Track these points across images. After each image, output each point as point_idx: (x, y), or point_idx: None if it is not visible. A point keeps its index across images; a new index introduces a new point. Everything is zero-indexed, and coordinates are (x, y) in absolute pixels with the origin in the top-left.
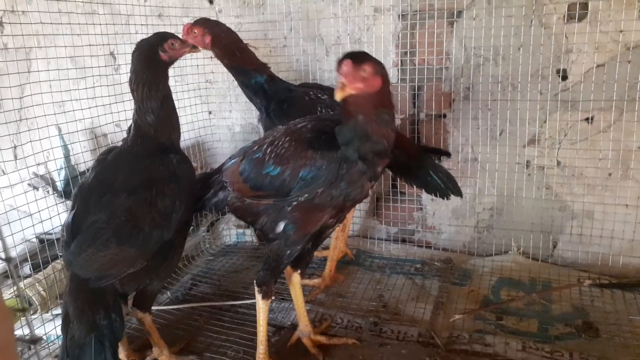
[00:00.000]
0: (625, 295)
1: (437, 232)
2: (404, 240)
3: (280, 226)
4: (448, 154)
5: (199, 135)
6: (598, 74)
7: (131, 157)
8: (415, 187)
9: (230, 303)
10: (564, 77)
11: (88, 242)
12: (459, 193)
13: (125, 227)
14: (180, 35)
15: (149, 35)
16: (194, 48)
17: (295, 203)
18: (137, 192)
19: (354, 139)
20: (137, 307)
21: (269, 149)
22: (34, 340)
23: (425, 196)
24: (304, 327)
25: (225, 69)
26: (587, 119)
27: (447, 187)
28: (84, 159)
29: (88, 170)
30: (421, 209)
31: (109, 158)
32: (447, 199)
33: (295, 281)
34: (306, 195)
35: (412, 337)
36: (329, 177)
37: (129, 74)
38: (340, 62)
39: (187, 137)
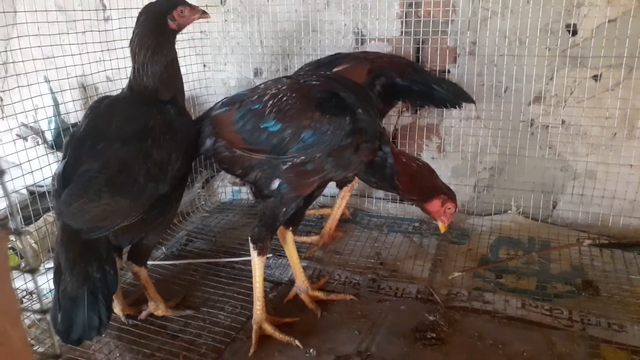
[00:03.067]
0: (624, 255)
1: None
2: (401, 200)
3: (275, 183)
4: (472, 101)
5: (193, 88)
6: (609, 30)
7: (126, 106)
8: (420, 104)
9: (227, 259)
10: (574, 32)
11: (80, 192)
12: (469, 99)
13: (119, 177)
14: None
15: None
16: (204, 13)
17: (289, 163)
18: (131, 141)
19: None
20: (133, 260)
21: (270, 102)
22: (45, 310)
23: (425, 154)
24: (301, 283)
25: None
26: (594, 77)
27: (455, 95)
28: (75, 109)
29: (78, 121)
30: None
31: (103, 106)
32: (459, 107)
33: (289, 239)
34: (302, 157)
35: (410, 293)
36: (332, 143)
37: (132, 35)
38: (450, 205)
39: None
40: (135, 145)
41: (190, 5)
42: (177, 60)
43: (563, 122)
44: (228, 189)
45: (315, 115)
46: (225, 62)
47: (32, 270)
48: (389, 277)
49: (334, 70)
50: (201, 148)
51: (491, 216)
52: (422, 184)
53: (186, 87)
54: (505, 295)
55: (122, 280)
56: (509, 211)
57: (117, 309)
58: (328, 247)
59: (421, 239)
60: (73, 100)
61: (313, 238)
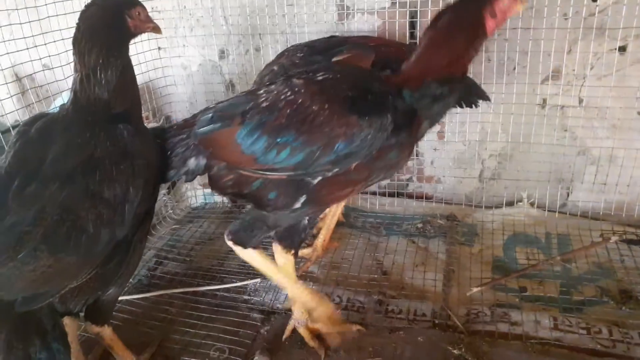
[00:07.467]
0: None
1: (435, 183)
2: (398, 194)
3: (300, 201)
4: (488, 98)
5: (148, 78)
6: None
7: (64, 130)
8: None
9: (206, 288)
10: None
11: (8, 254)
12: (485, 97)
13: (61, 228)
14: None
15: None
16: (157, 29)
17: (320, 178)
18: (74, 178)
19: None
20: (91, 321)
21: (288, 111)
22: None
23: (423, 143)
24: (300, 314)
25: None
26: (619, 49)
27: (469, 92)
28: (12, 108)
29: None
30: (417, 157)
31: (34, 131)
32: (476, 106)
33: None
34: (336, 170)
35: (425, 316)
36: (372, 148)
37: (75, 32)
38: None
39: None
40: (80, 183)
41: (145, 10)
42: (132, 66)
43: (581, 101)
44: (199, 192)
45: (351, 120)
46: (184, 44)
47: None
48: (397, 296)
49: (334, 60)
50: (180, 171)
51: (501, 209)
52: (451, 30)
53: (140, 77)
54: (533, 312)
55: (80, 328)
56: (520, 203)
57: None
58: (322, 260)
59: (427, 242)
60: (10, 96)
61: (305, 251)
